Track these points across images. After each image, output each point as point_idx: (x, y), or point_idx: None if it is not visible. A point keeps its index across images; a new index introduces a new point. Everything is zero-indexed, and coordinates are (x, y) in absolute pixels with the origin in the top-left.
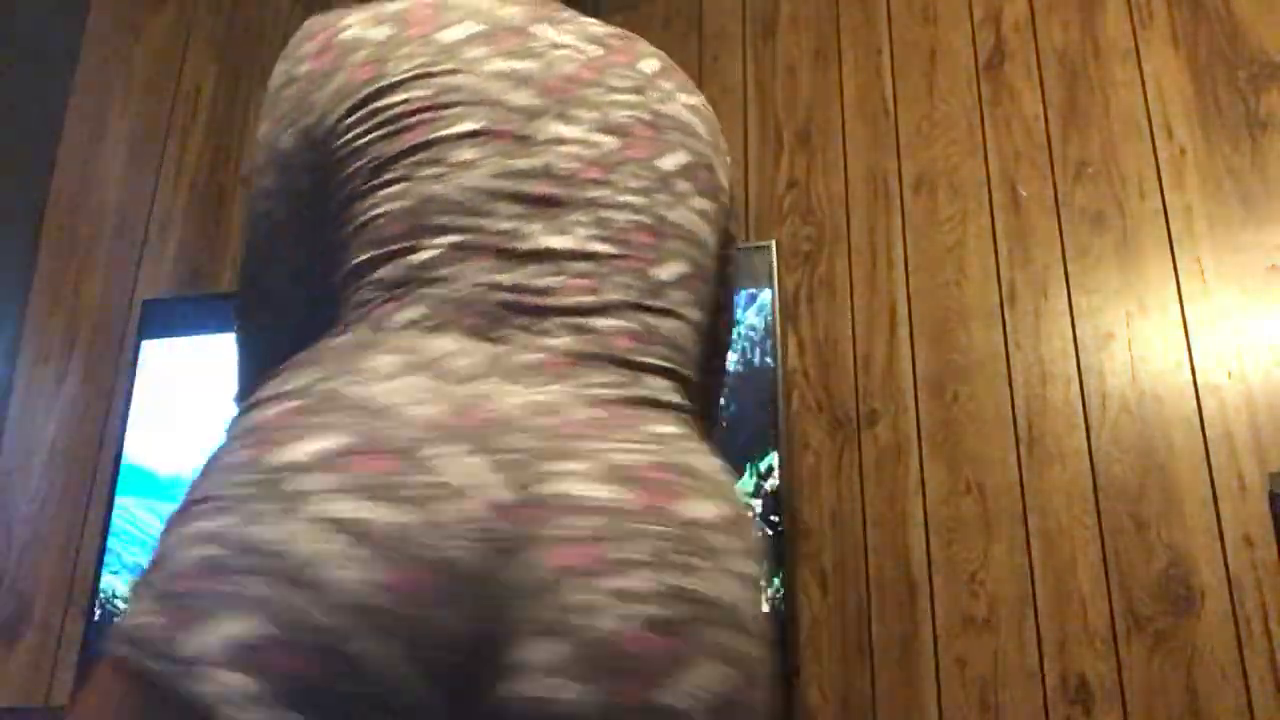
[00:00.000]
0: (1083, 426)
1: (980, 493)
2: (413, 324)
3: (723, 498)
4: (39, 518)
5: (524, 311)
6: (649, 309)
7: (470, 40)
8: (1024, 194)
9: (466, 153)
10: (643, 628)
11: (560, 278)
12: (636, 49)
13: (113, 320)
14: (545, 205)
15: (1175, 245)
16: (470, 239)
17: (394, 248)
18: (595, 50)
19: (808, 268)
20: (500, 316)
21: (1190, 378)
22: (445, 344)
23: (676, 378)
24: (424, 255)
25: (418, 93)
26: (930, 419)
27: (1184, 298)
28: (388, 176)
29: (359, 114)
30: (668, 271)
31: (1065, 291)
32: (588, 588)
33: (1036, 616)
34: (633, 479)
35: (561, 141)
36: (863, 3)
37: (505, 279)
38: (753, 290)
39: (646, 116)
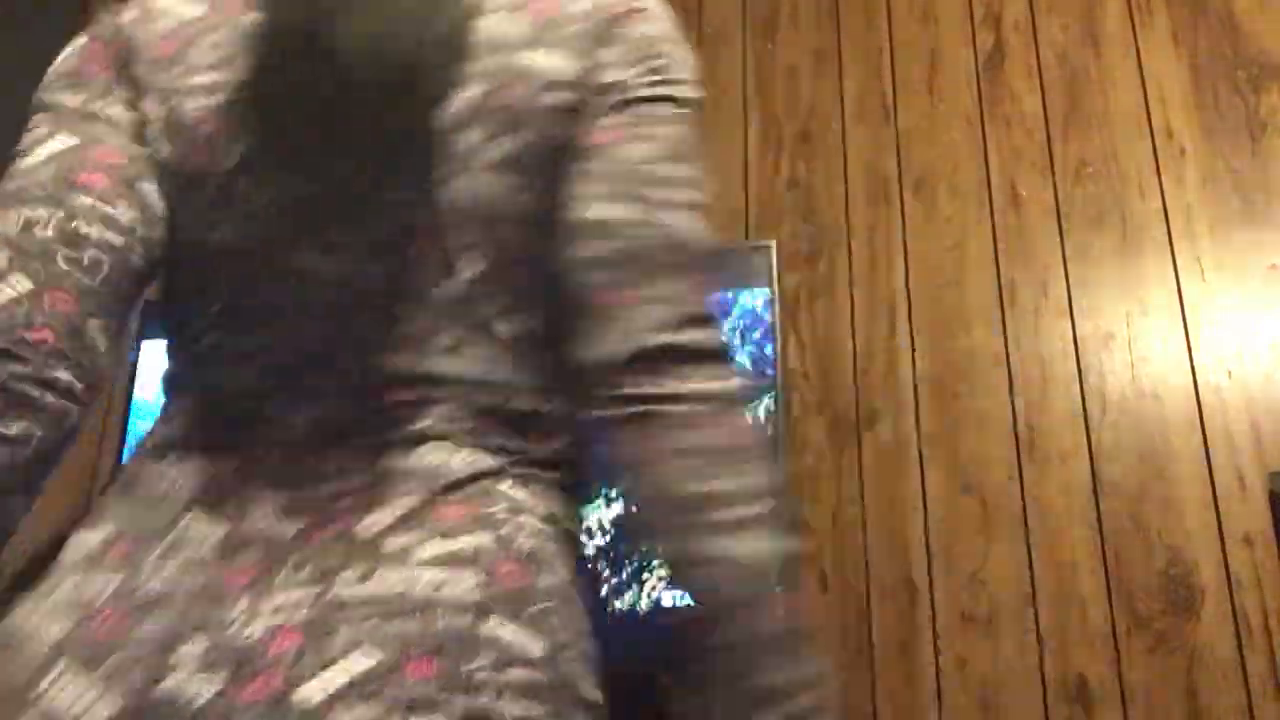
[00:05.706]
0: (1083, 426)
1: (980, 493)
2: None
3: (380, 644)
4: (38, 518)
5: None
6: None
7: None
8: (1024, 194)
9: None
10: None
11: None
12: None
13: None
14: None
15: (1175, 245)
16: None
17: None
18: None
19: (808, 268)
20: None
21: (1190, 378)
22: (168, 471)
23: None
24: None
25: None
26: (930, 419)
27: (1184, 298)
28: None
29: None
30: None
31: (1065, 291)
32: None
33: (1036, 616)
34: (245, 662)
35: None
36: (863, 3)
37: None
38: (753, 290)
39: None
